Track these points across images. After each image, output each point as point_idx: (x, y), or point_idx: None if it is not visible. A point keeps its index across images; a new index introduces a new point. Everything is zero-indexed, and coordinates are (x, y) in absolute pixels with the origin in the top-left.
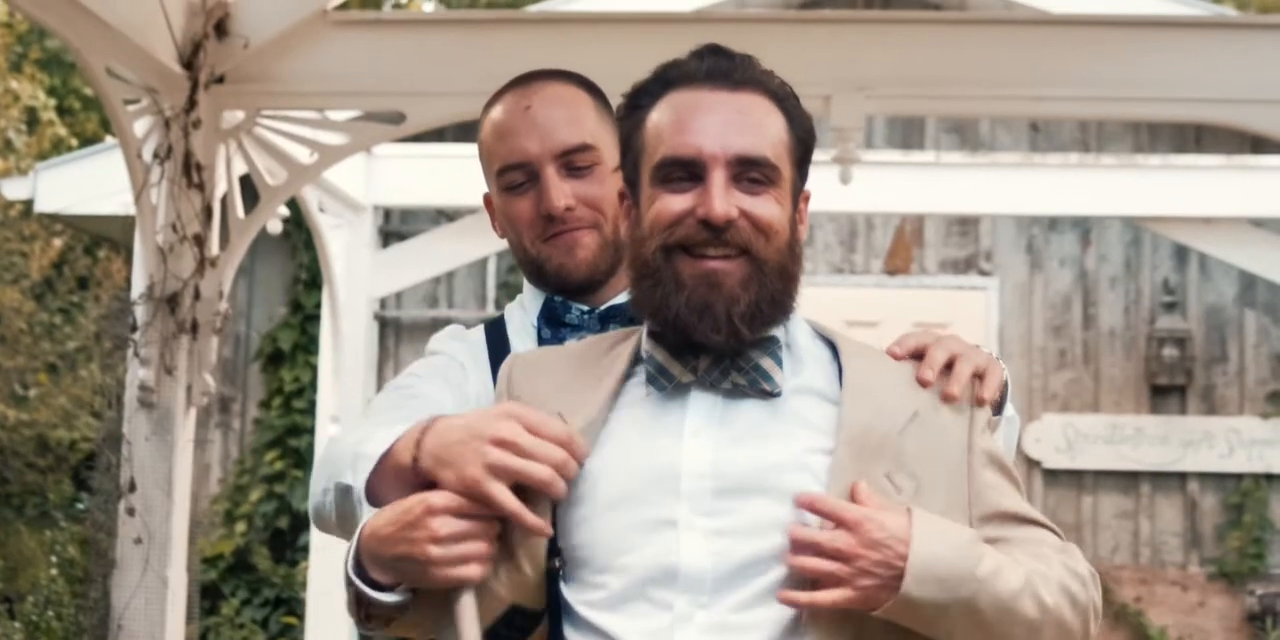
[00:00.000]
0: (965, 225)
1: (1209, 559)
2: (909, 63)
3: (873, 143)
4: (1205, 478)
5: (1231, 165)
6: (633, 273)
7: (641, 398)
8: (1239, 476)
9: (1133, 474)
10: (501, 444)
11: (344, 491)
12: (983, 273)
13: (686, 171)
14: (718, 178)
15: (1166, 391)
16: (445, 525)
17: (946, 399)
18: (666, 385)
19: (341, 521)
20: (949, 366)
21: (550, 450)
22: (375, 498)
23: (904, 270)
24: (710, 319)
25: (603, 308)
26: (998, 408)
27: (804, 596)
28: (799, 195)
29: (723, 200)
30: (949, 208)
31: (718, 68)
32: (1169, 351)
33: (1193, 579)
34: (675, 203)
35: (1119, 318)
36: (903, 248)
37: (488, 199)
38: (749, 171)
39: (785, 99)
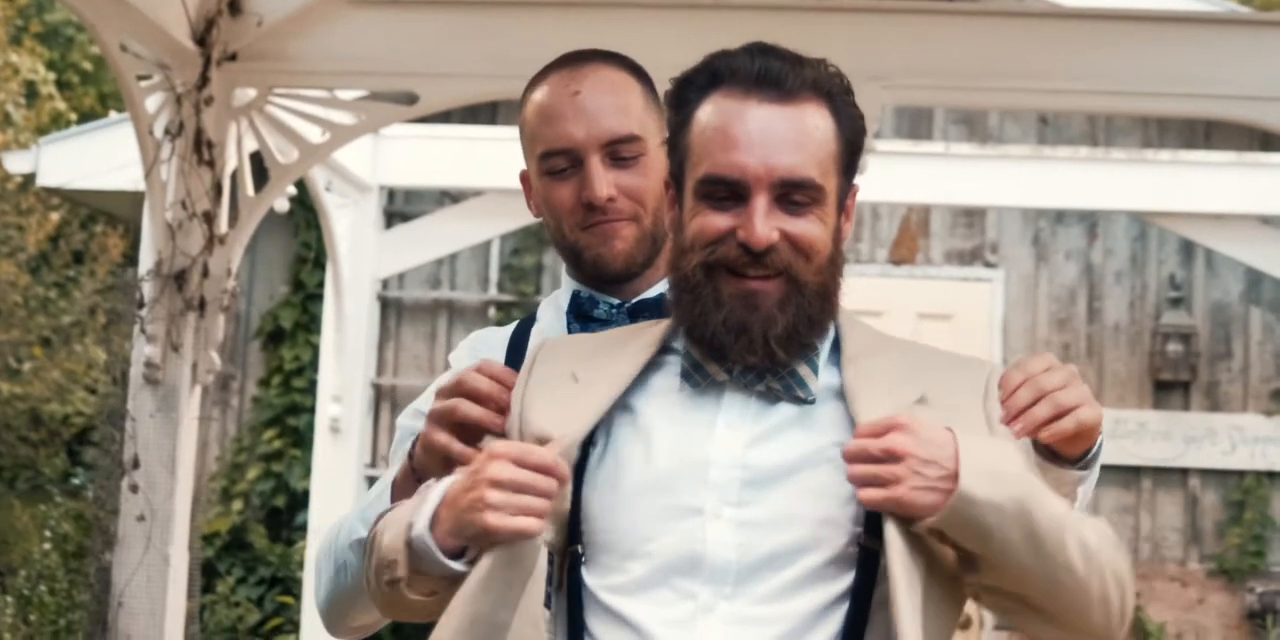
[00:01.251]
0: (971, 216)
1: (1209, 556)
2: (925, 54)
3: (881, 133)
4: (1207, 474)
5: (1241, 162)
6: (673, 284)
7: (674, 390)
8: (1241, 473)
9: (1134, 469)
10: (439, 394)
11: (357, 545)
12: (988, 264)
13: (729, 190)
14: (760, 202)
15: (1170, 387)
16: (505, 470)
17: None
18: (701, 382)
19: (361, 586)
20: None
21: (478, 382)
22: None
23: (909, 260)
24: (746, 340)
25: (633, 302)
26: (1087, 463)
27: (866, 494)
28: (845, 199)
29: (763, 225)
30: (956, 199)
31: (769, 72)
32: (1173, 347)
33: (1192, 575)
34: (718, 221)
35: (1124, 312)
36: (908, 238)
37: (524, 176)
38: (792, 193)
39: (836, 97)
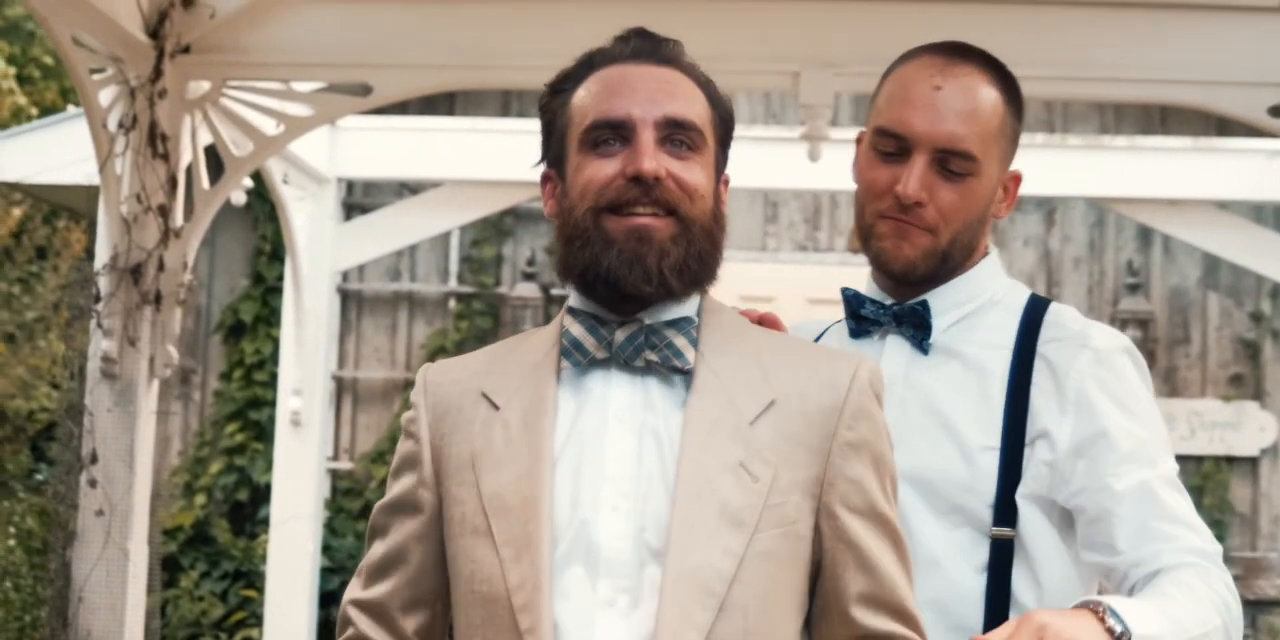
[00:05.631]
0: None
1: None
2: (877, 40)
3: (838, 120)
4: None
5: (1198, 147)
6: (561, 240)
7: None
8: (1200, 459)
9: None
10: None
11: None
12: None
13: (615, 134)
14: (646, 137)
15: None
16: None
17: None
18: (581, 360)
19: None
20: None
21: None
22: None
23: None
24: (641, 270)
25: (903, 305)
26: None
27: None
28: (722, 172)
29: (651, 157)
30: None
31: (644, 47)
32: (1132, 333)
33: None
34: (605, 167)
35: (1082, 298)
36: None
37: (862, 137)
38: (676, 133)
39: (706, 84)
